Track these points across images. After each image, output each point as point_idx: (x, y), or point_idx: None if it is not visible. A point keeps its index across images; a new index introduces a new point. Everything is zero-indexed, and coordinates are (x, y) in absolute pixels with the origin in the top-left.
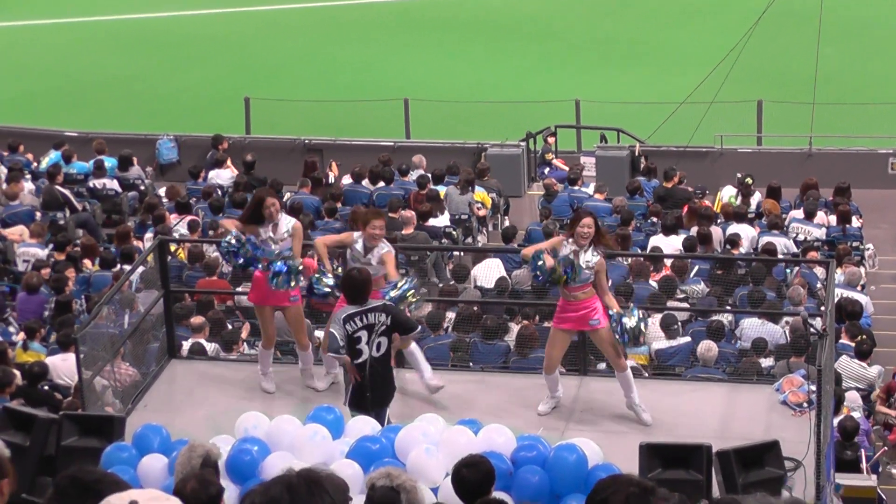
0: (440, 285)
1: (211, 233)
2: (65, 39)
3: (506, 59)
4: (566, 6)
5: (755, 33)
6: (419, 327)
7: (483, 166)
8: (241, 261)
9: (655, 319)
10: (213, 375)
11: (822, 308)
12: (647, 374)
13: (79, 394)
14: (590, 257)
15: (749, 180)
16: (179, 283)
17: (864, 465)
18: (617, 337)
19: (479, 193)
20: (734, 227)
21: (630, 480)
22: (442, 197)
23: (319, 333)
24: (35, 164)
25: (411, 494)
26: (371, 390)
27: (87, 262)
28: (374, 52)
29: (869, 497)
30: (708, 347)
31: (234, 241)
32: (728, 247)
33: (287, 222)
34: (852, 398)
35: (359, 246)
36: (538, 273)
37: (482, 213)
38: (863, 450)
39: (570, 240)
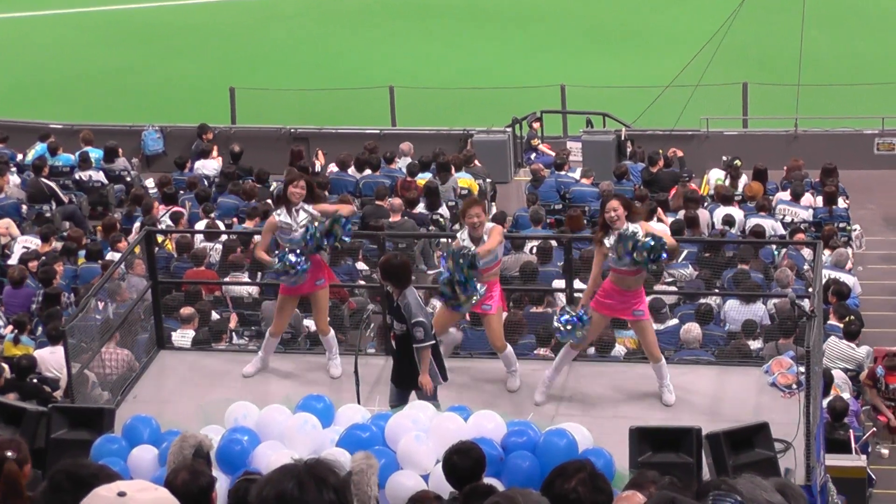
0: (429, 273)
1: (201, 224)
2: (49, 32)
3: (490, 45)
4: None
5: (740, 15)
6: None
7: (469, 153)
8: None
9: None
10: (202, 366)
11: (810, 289)
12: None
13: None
14: (641, 232)
15: (738, 163)
16: (167, 274)
17: (853, 445)
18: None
19: (466, 180)
20: (721, 210)
21: (580, 465)
22: (422, 185)
23: (308, 322)
24: (20, 156)
25: (359, 476)
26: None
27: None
28: (358, 40)
29: (858, 477)
30: (688, 329)
31: (287, 267)
32: (727, 227)
33: (309, 207)
34: (837, 377)
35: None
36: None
37: (458, 193)
38: (852, 430)
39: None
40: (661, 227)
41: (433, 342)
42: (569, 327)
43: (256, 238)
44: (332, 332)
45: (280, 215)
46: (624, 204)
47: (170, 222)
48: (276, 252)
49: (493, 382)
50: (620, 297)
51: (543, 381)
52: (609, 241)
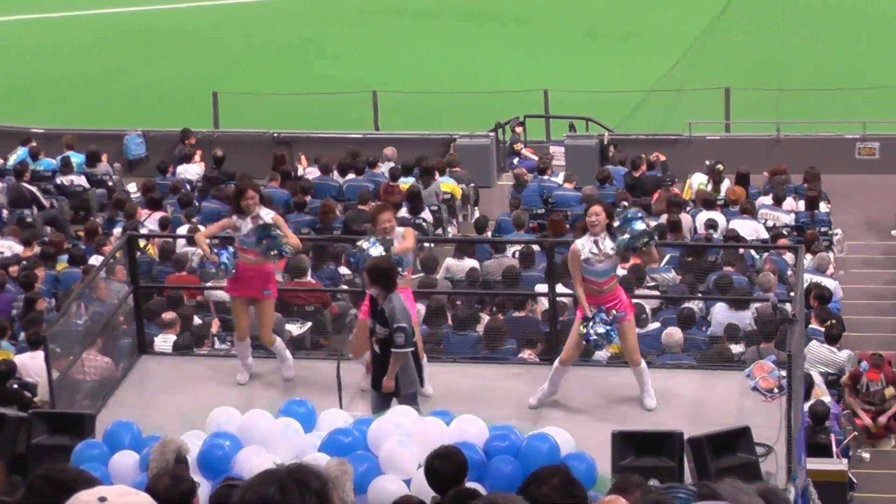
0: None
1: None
2: (30, 36)
3: (474, 50)
4: None
5: (722, 20)
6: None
7: (452, 157)
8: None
9: None
10: (184, 371)
11: (792, 293)
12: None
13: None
14: (609, 244)
15: (720, 167)
16: (149, 278)
17: (834, 449)
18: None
19: (449, 184)
20: (704, 214)
21: (554, 471)
22: (404, 189)
23: (289, 326)
24: (1, 161)
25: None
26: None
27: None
28: (341, 44)
29: (840, 481)
30: (670, 334)
31: (216, 263)
32: (711, 231)
33: (266, 215)
34: (816, 381)
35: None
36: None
37: (440, 198)
38: (833, 434)
39: (587, 234)
40: None
41: (412, 349)
42: (601, 338)
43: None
44: (279, 340)
45: (237, 222)
46: (606, 211)
47: (155, 227)
48: (216, 251)
49: (476, 387)
50: (603, 303)
51: (541, 390)
52: (586, 245)
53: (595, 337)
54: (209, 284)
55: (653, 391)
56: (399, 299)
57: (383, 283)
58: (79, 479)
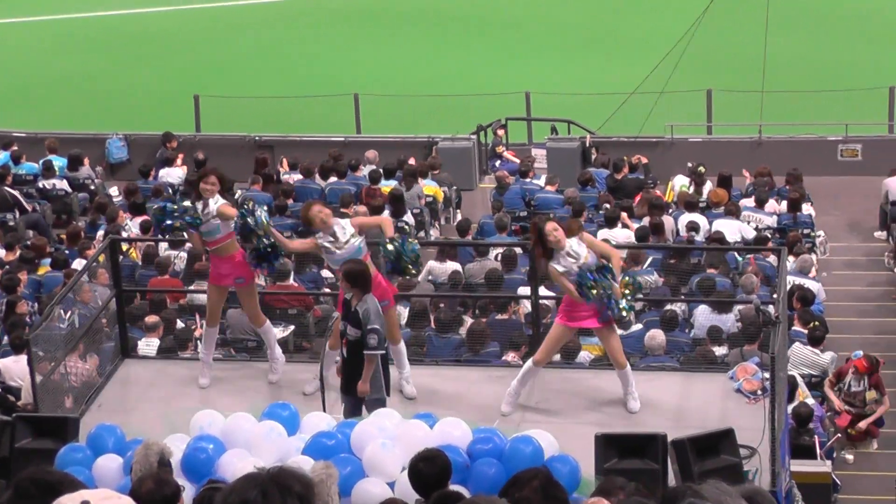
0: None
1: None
2: (10, 39)
3: (454, 52)
4: None
5: (704, 21)
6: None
7: (434, 160)
8: (167, 223)
9: None
10: (167, 374)
11: (775, 295)
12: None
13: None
14: (580, 249)
15: (701, 169)
16: (132, 282)
17: (818, 451)
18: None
19: (431, 187)
20: (686, 216)
21: (534, 474)
22: (386, 192)
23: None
24: None
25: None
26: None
27: None
28: (322, 47)
29: (823, 483)
30: (652, 336)
31: (174, 206)
32: (693, 233)
33: (215, 203)
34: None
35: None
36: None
37: (423, 201)
38: (817, 436)
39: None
40: (625, 233)
41: (383, 352)
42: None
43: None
44: (268, 322)
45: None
46: (559, 224)
47: (137, 231)
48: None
49: (460, 389)
50: (586, 309)
51: (510, 393)
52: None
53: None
54: (192, 288)
55: (637, 394)
56: (373, 301)
57: (359, 285)
58: (64, 482)
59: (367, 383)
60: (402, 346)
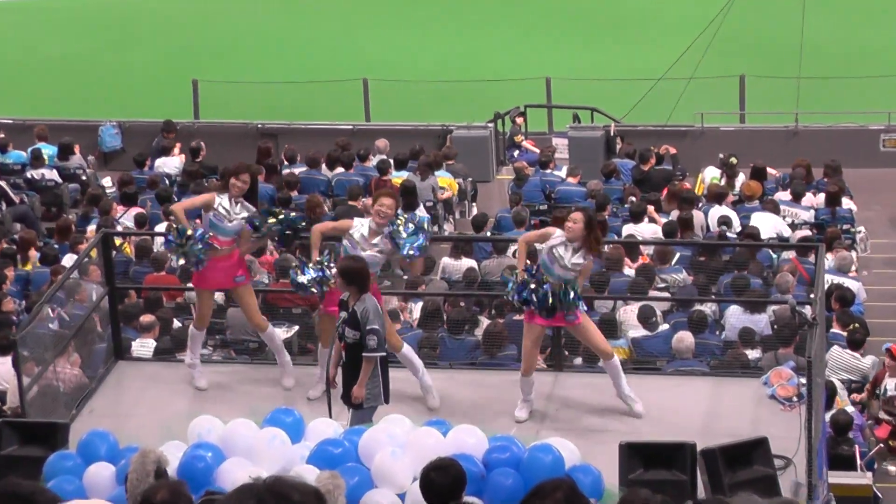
0: (405, 277)
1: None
2: None
3: (471, 35)
4: None
5: (737, 3)
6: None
7: (448, 150)
8: (180, 261)
9: (634, 310)
10: (163, 377)
11: (812, 295)
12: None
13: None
14: (577, 259)
15: (733, 160)
16: (126, 279)
17: (858, 461)
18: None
19: (445, 179)
20: (717, 211)
21: (557, 484)
22: (398, 184)
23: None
24: None
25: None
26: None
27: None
28: (330, 29)
29: (864, 496)
30: (680, 339)
31: (176, 236)
32: (724, 228)
33: (243, 210)
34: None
35: (362, 232)
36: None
37: (446, 195)
38: (857, 446)
39: (560, 231)
40: (651, 228)
41: (383, 354)
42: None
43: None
44: (271, 327)
45: (222, 200)
46: (590, 225)
47: (130, 225)
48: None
49: (474, 395)
50: None
51: (522, 399)
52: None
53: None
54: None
55: (628, 387)
56: (372, 301)
57: (357, 285)
58: (36, 492)
59: (363, 388)
60: (407, 349)
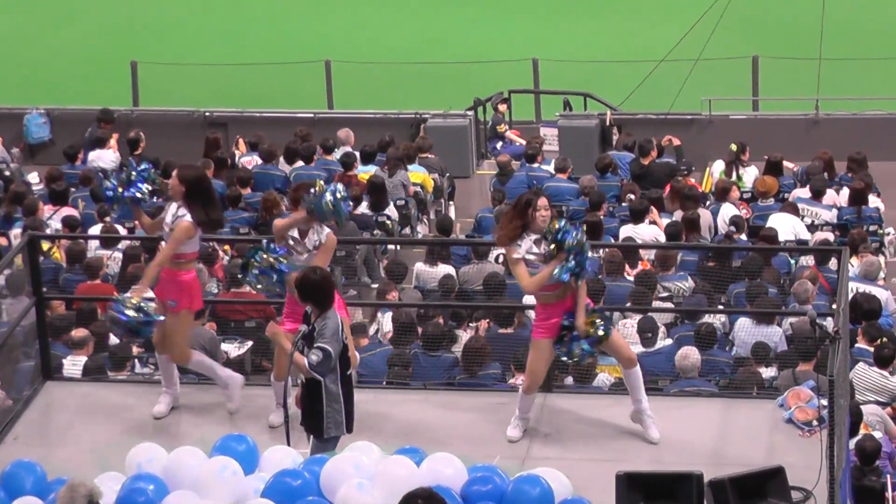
0: (373, 286)
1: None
2: None
3: (448, 11)
4: None
5: None
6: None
7: (422, 141)
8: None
9: (634, 323)
10: (98, 399)
11: (834, 306)
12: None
13: None
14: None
15: (733, 147)
16: (55, 288)
17: (889, 494)
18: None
19: (418, 174)
20: (727, 210)
21: None
22: (364, 179)
23: (226, 346)
24: None
25: None
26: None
27: None
28: (287, 4)
29: None
30: (685, 355)
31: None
32: (733, 229)
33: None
34: (872, 412)
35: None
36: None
37: (412, 190)
38: (888, 476)
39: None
40: (652, 230)
41: (327, 374)
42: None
43: (163, 244)
44: (195, 355)
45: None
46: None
47: (59, 227)
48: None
49: (452, 419)
50: (559, 315)
51: (516, 416)
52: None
53: (576, 357)
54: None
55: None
56: (335, 319)
57: (316, 300)
58: None
59: (279, 367)
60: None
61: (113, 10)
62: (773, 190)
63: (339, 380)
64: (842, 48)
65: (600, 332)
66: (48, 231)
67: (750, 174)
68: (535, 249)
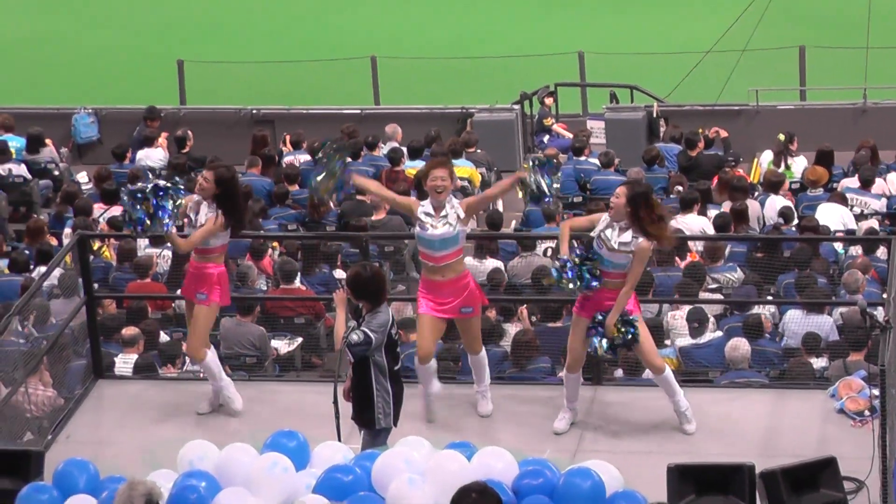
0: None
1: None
2: None
3: (493, 5)
4: None
5: None
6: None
7: (469, 136)
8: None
9: (683, 314)
10: (150, 398)
11: (885, 295)
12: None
13: None
14: (625, 239)
15: (780, 137)
16: (105, 287)
17: None
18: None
19: (466, 169)
20: (775, 201)
21: None
22: (411, 175)
23: (276, 343)
24: None
25: None
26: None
27: None
28: (331, 2)
29: None
30: (734, 346)
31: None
32: (781, 221)
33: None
34: None
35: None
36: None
37: (459, 184)
38: None
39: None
40: (700, 221)
41: (359, 357)
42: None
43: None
44: (210, 353)
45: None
46: (633, 201)
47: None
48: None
49: (502, 412)
50: (598, 298)
51: (564, 407)
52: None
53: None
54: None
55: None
56: (386, 314)
57: (368, 297)
58: None
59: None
60: (482, 356)
61: (158, 9)
62: (823, 179)
63: (388, 374)
64: (889, 37)
65: (626, 338)
66: (100, 231)
67: (799, 164)
68: (609, 234)
